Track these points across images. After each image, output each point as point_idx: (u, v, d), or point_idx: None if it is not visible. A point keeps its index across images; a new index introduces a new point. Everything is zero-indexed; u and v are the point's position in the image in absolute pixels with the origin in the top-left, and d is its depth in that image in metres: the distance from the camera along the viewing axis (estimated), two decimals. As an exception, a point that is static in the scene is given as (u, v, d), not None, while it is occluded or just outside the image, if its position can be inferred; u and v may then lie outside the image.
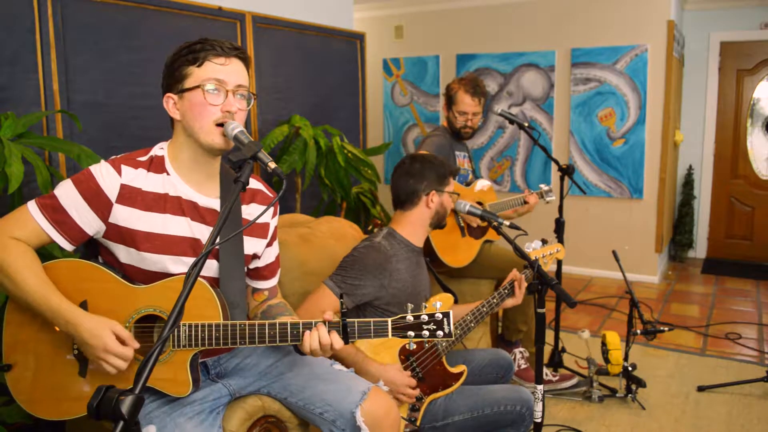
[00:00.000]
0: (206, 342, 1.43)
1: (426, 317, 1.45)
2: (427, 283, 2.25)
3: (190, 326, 1.42)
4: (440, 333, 1.45)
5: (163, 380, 1.43)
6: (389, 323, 1.45)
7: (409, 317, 1.45)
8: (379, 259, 2.03)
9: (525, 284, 2.23)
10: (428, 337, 1.46)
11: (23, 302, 1.41)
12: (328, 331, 1.45)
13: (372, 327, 1.46)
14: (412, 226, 2.18)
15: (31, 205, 1.44)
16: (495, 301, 2.20)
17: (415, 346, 1.47)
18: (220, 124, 1.44)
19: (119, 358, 1.36)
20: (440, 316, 1.46)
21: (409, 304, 1.48)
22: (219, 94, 1.44)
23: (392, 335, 1.45)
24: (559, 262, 3.05)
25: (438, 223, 2.22)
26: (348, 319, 1.46)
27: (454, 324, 2.12)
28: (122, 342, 1.37)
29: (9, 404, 1.87)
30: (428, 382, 2.02)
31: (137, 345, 1.40)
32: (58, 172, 2.20)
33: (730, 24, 5.43)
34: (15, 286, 1.38)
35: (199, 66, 1.44)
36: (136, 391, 0.98)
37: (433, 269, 2.33)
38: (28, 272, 1.38)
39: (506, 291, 2.23)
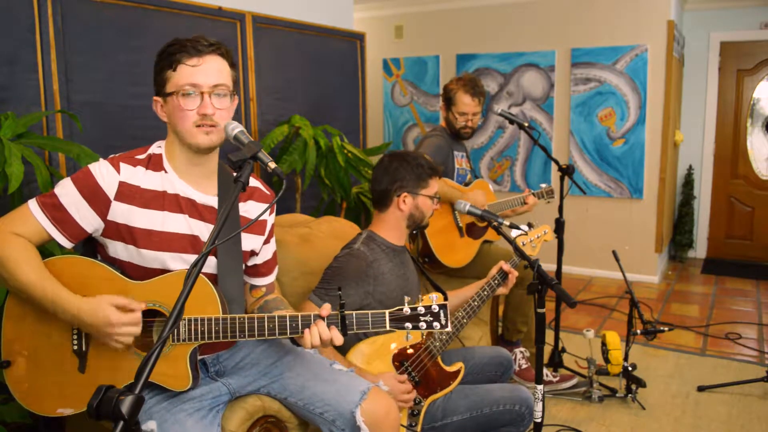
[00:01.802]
0: (206, 336, 1.43)
1: (423, 309, 1.46)
2: (415, 281, 2.22)
3: (189, 320, 1.43)
4: (437, 325, 1.46)
5: (162, 374, 1.44)
6: (386, 314, 1.47)
7: (406, 309, 1.46)
8: (360, 267, 1.98)
9: (516, 273, 2.20)
10: (425, 329, 1.46)
11: (22, 294, 1.42)
12: (328, 326, 1.46)
13: (370, 319, 1.47)
14: (389, 227, 2.11)
15: (32, 204, 1.46)
16: (486, 293, 2.15)
17: (412, 338, 1.48)
18: (201, 123, 1.45)
19: (129, 325, 1.37)
20: (437, 308, 1.47)
21: (406, 297, 1.49)
22: (194, 98, 1.44)
23: (390, 326, 1.46)
24: (559, 262, 3.05)
25: (415, 226, 2.14)
26: (346, 311, 1.47)
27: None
28: (126, 310, 1.37)
29: (8, 402, 1.87)
30: (425, 384, 2.00)
31: (142, 306, 1.40)
32: (58, 172, 2.20)
33: (730, 24, 5.43)
34: (13, 277, 1.40)
35: (174, 70, 1.44)
36: (136, 391, 0.98)
37: (421, 266, 2.30)
38: (26, 264, 1.40)
39: (497, 282, 2.18)
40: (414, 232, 2.24)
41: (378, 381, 1.85)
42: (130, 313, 1.37)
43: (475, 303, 2.15)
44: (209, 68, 1.45)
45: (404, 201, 2.08)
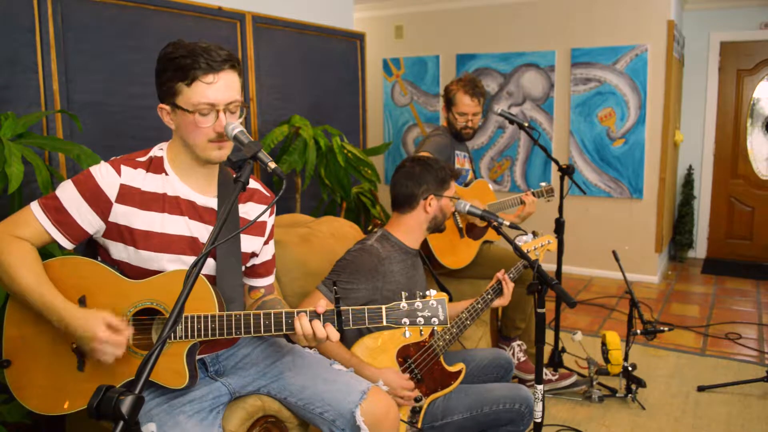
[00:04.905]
0: (202, 333, 1.44)
1: (420, 304, 1.46)
2: (423, 285, 2.24)
3: (186, 318, 1.43)
4: (435, 320, 1.45)
5: (159, 372, 1.44)
6: (383, 310, 1.46)
7: (403, 304, 1.46)
8: (372, 262, 2.02)
9: (512, 285, 2.21)
10: (423, 325, 1.45)
11: (20, 299, 1.43)
12: (324, 324, 1.45)
13: (366, 314, 1.46)
14: (408, 228, 2.16)
15: (34, 206, 1.47)
16: (480, 306, 2.15)
17: (411, 335, 1.47)
18: (215, 139, 1.45)
19: (113, 346, 1.37)
20: (434, 303, 1.46)
21: (403, 292, 1.48)
22: (210, 116, 1.44)
23: (387, 323, 1.45)
24: (559, 262, 3.05)
25: (436, 228, 2.20)
26: (342, 307, 1.46)
27: (450, 322, 2.11)
28: (115, 330, 1.38)
29: (8, 402, 1.87)
30: (427, 383, 2.01)
31: (130, 331, 1.41)
32: (58, 172, 2.20)
33: (730, 24, 5.43)
34: (12, 282, 1.41)
35: (188, 85, 1.42)
36: (136, 391, 0.99)
37: (431, 269, 2.33)
38: (25, 270, 1.41)
39: (493, 292, 2.17)
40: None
41: (381, 375, 1.86)
42: (118, 334, 1.37)
43: (479, 305, 2.15)
44: (224, 85, 1.43)
45: (430, 204, 2.14)
